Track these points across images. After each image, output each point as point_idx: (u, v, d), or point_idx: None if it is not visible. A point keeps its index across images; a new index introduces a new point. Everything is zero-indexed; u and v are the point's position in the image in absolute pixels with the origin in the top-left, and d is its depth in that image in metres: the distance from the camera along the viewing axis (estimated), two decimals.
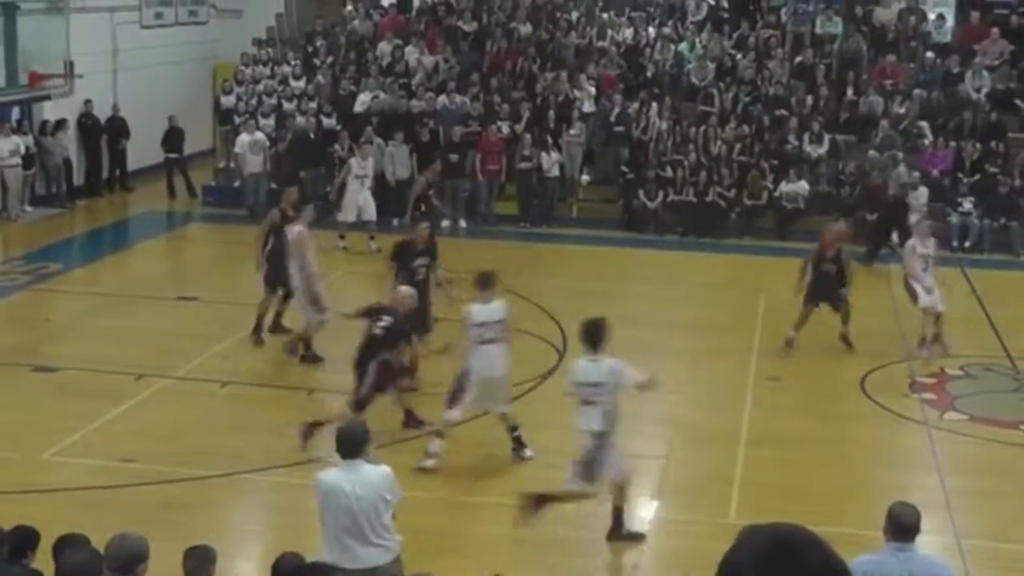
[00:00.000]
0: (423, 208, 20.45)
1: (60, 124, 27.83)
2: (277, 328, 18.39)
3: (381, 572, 8.97)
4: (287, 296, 18.11)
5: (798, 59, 29.65)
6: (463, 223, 26.73)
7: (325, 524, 9.15)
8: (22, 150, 26.59)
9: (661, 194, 26.25)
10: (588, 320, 12.01)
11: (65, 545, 7.81)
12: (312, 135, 27.68)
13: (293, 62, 31.23)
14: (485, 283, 13.99)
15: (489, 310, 13.81)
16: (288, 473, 13.77)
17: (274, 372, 17.14)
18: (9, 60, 23.95)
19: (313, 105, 28.90)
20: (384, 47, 30.92)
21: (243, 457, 14.11)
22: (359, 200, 24.34)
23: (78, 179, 28.80)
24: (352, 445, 9.10)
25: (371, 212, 24.37)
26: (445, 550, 11.61)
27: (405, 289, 14.84)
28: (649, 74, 29.89)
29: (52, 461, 13.80)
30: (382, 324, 14.14)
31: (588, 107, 28.48)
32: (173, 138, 29.58)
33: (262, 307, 18.22)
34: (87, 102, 28.53)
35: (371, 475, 9.07)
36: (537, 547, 12.20)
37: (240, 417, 15.58)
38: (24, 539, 8.43)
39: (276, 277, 17.99)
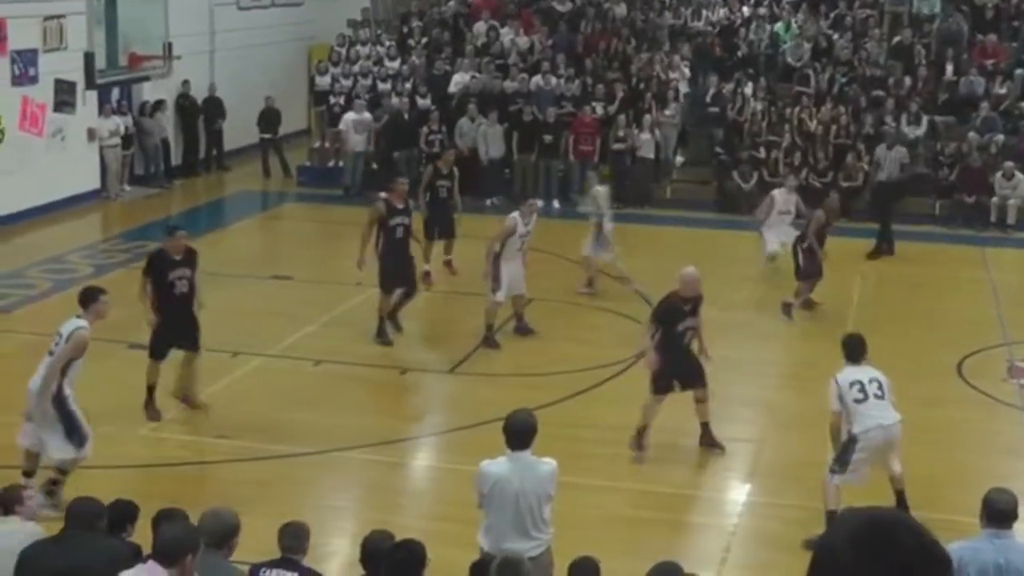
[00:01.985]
0: (430, 196, 20.16)
1: (158, 105, 28.18)
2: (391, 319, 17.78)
3: (534, 563, 8.64)
4: (408, 295, 17.72)
5: (896, 39, 29.29)
6: (556, 204, 26.71)
7: (488, 515, 9.04)
8: (122, 131, 26.97)
9: (755, 175, 26.04)
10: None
11: (163, 519, 7.92)
12: (406, 116, 27.79)
13: (388, 43, 31.35)
14: None
15: None
16: (379, 451, 13.87)
17: (367, 351, 17.21)
18: (110, 42, 24.21)
19: (408, 86, 29.01)
20: (479, 27, 30.95)
21: (335, 435, 14.21)
22: None
23: (176, 159, 29.17)
24: (521, 436, 8.92)
25: None
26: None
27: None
28: (744, 54, 29.68)
29: (149, 436, 13.99)
30: None
31: (683, 88, 28.34)
32: (269, 118, 29.82)
33: (383, 308, 17.51)
34: (185, 83, 28.87)
35: (538, 468, 8.92)
36: (624, 526, 12.20)
37: (333, 395, 15.69)
38: (123, 512, 8.56)
39: (393, 277, 17.42)
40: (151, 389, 14.50)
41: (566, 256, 20.94)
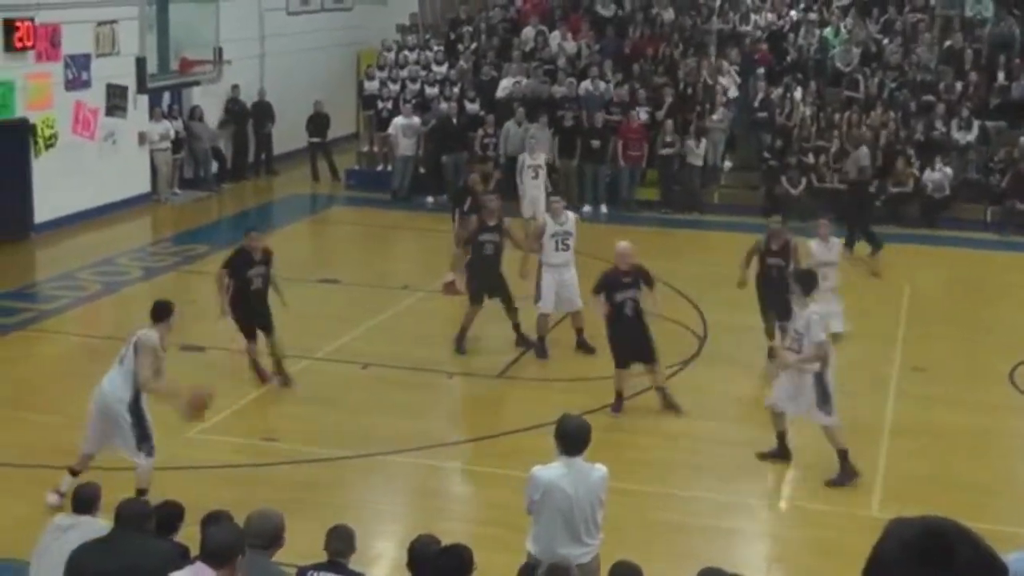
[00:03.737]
0: (469, 203, 20.00)
1: (194, 110, 28.32)
2: (523, 342, 17.61)
3: (582, 570, 8.59)
4: (510, 309, 17.53)
5: (947, 43, 29.09)
6: (604, 208, 26.68)
7: (539, 521, 8.98)
8: (172, 135, 27.14)
9: (804, 180, 25.90)
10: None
11: (211, 521, 7.96)
12: (454, 120, 27.83)
13: (436, 48, 31.40)
14: None
15: None
16: (426, 455, 13.88)
17: (414, 354, 17.22)
18: (161, 47, 24.48)
19: (456, 90, 29.05)
20: (528, 32, 30.95)
21: (382, 438, 14.24)
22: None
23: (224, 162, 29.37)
24: (576, 441, 8.86)
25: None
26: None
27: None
28: (792, 59, 29.54)
29: (197, 439, 14.05)
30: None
31: (732, 93, 28.25)
32: (318, 123, 29.93)
33: (468, 319, 17.44)
34: (234, 87, 29.02)
35: (590, 475, 8.87)
36: (671, 532, 12.17)
37: (380, 398, 15.71)
38: (171, 514, 8.63)
39: (481, 289, 17.41)
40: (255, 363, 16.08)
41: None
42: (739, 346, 17.57)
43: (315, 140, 29.97)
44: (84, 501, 8.87)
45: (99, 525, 8.52)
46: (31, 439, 14.03)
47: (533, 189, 23.41)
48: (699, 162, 26.61)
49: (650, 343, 15.02)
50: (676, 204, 26.50)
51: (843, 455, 13.07)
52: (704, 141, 26.66)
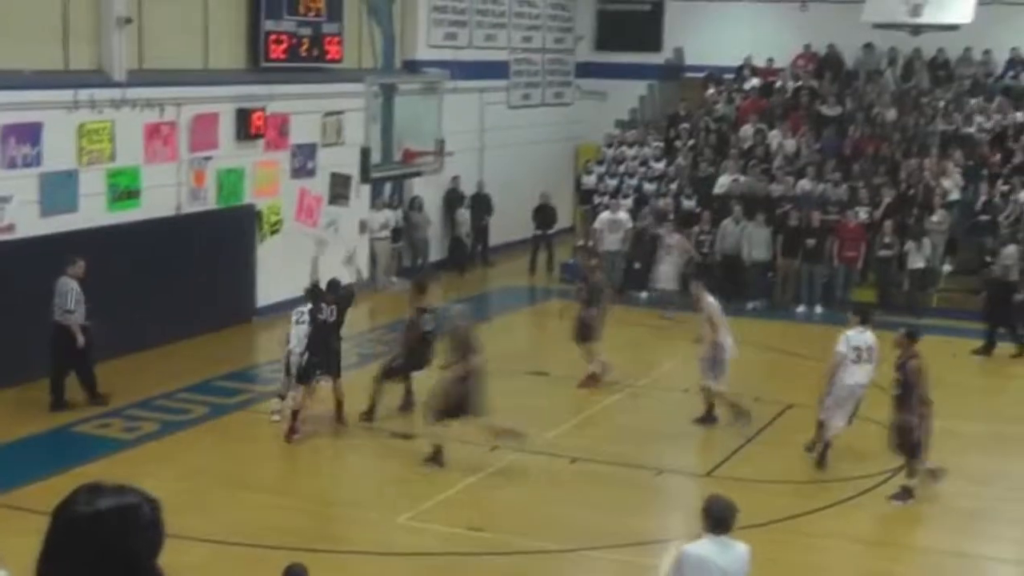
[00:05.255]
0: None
1: (415, 200, 28.95)
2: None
3: None
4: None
5: None
6: (819, 308, 26.33)
7: None
8: (392, 224, 27.76)
9: None
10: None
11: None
12: (671, 216, 27.87)
13: (655, 144, 31.56)
14: None
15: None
16: (628, 552, 13.81)
17: (622, 450, 17.19)
18: (385, 137, 25.09)
19: (673, 187, 29.13)
20: (747, 130, 30.93)
21: (586, 533, 14.21)
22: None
23: (442, 252, 29.89)
24: (724, 520, 9.02)
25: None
26: None
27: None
28: (1019, 161, 28.83)
29: (407, 525, 14.23)
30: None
31: (954, 195, 27.71)
32: (544, 215, 30.26)
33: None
34: (454, 178, 29.60)
35: (739, 551, 9.02)
36: None
37: (587, 493, 15.69)
38: None
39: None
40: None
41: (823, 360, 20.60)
42: (957, 453, 17.13)
43: (540, 232, 30.29)
44: None
45: None
46: (247, 518, 14.38)
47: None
48: (920, 263, 26.01)
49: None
50: (893, 306, 26.01)
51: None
52: (926, 243, 26.10)
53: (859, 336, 16.48)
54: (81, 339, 17.96)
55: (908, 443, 15.04)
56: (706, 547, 8.98)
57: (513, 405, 18.35)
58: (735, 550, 9.01)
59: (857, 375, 16.26)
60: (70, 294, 17.91)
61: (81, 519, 3.20)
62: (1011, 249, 24.40)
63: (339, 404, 17.80)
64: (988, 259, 26.16)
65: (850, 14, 31.13)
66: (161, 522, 3.32)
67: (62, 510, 3.25)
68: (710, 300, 18.18)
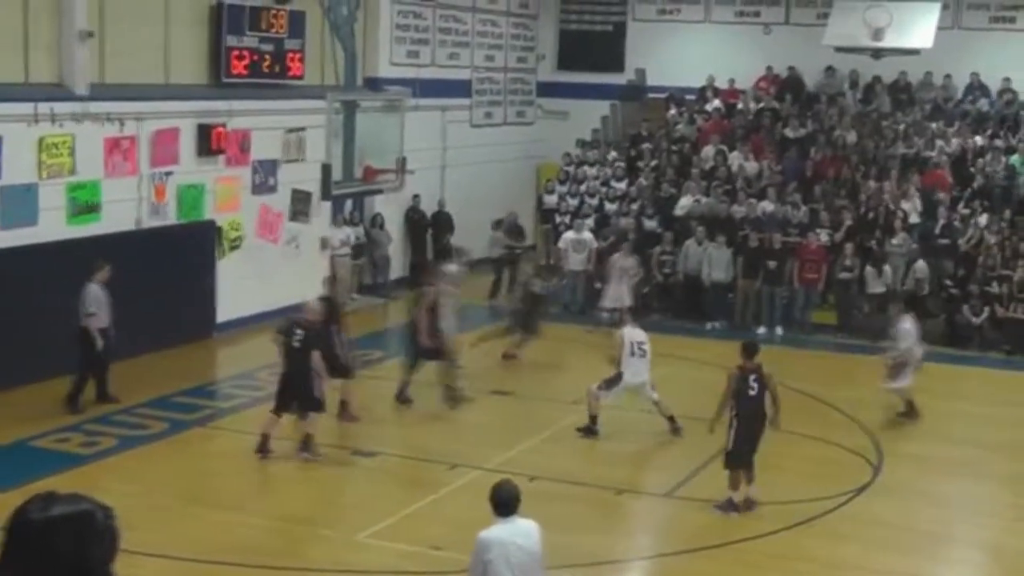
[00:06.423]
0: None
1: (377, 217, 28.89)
2: None
3: None
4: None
5: None
6: (779, 330, 26.41)
7: None
8: (352, 241, 27.70)
9: (987, 310, 25.36)
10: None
11: None
12: (630, 236, 27.91)
13: (616, 164, 31.61)
14: None
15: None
16: (587, 571, 13.76)
17: (582, 469, 17.16)
18: (347, 154, 25.05)
19: (635, 207, 29.17)
20: (708, 151, 31.03)
21: (547, 552, 14.13)
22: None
23: (403, 270, 29.82)
24: (508, 502, 9.72)
25: None
26: None
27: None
28: (979, 185, 29.01)
29: (365, 543, 14.16)
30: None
31: (914, 218, 27.85)
32: (514, 231, 30.09)
33: None
34: (415, 196, 29.56)
35: (528, 527, 9.77)
36: None
37: (545, 512, 15.59)
38: None
39: None
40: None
41: (785, 384, 20.65)
42: (917, 475, 17.20)
43: (511, 245, 30.03)
44: None
45: None
46: (204, 535, 14.27)
47: None
48: (880, 289, 26.02)
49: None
50: (852, 329, 26.11)
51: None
52: (886, 269, 26.15)
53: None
54: (100, 342, 18.80)
55: (725, 454, 15.51)
56: (497, 530, 9.62)
57: (479, 423, 18.37)
58: (523, 526, 9.74)
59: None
60: (88, 297, 18.76)
61: (35, 526, 3.19)
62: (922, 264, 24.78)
63: (343, 403, 18.71)
64: (947, 283, 26.34)
65: (812, 37, 31.40)
66: (115, 529, 3.31)
67: (16, 518, 3.24)
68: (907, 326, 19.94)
